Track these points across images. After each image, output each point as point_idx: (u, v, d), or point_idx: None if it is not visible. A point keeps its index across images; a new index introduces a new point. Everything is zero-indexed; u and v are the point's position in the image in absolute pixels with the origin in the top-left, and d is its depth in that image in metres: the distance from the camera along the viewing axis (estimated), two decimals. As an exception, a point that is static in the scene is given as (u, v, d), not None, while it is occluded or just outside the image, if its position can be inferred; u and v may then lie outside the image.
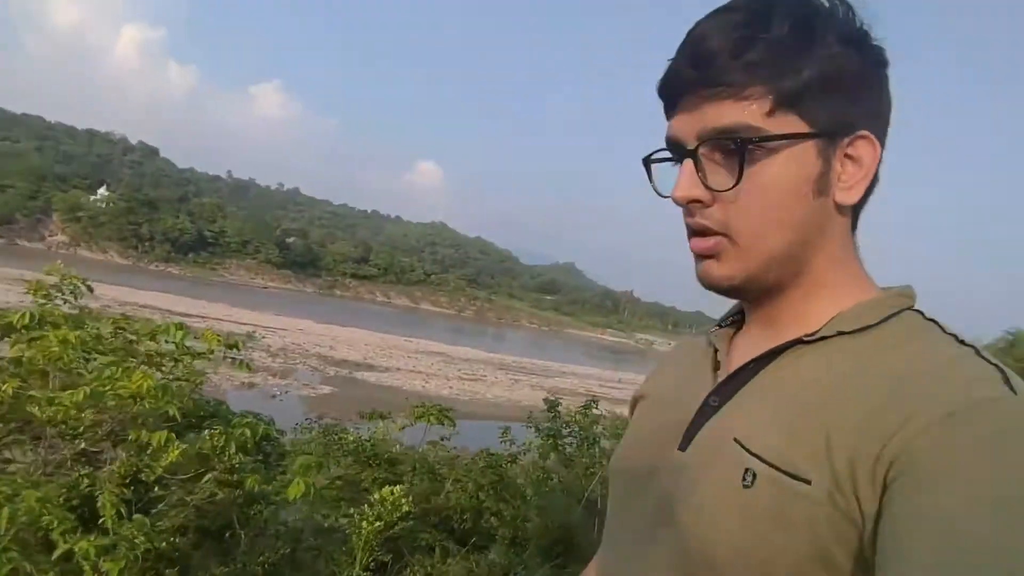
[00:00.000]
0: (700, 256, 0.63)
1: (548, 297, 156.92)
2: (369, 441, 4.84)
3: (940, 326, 0.60)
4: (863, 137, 0.59)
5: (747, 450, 0.58)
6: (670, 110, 0.63)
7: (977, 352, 0.55)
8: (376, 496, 2.90)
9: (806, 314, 0.63)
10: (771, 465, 0.56)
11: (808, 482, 0.54)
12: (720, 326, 0.73)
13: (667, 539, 0.63)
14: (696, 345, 0.77)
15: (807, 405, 0.58)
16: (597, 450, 5.90)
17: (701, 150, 0.60)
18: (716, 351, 0.70)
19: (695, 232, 0.63)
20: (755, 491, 0.57)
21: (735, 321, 0.72)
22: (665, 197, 0.63)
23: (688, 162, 0.60)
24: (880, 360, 0.57)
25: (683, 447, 0.65)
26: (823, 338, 0.61)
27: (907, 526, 0.47)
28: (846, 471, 0.52)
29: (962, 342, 0.57)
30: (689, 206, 0.61)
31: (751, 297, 0.66)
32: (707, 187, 0.59)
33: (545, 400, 6.35)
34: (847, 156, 0.59)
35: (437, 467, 4.89)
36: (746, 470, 0.58)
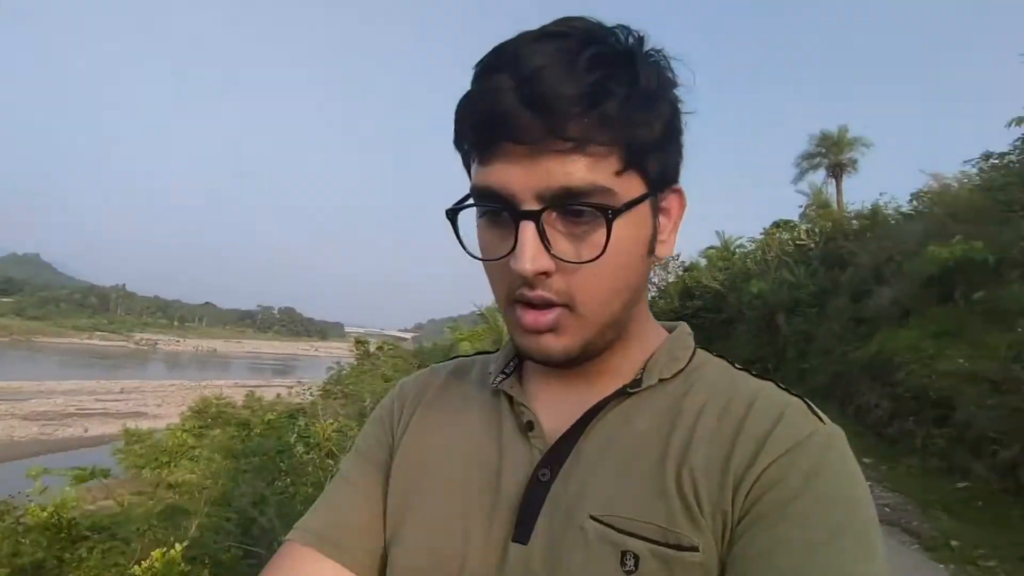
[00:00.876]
0: (536, 331, 0.54)
1: (3, 299, 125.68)
2: None
3: (728, 361, 0.61)
4: (675, 189, 0.57)
5: (615, 528, 0.52)
6: (486, 153, 0.51)
7: (776, 384, 0.58)
8: None
9: (619, 366, 0.60)
10: (653, 542, 0.51)
11: (696, 549, 0.50)
12: (505, 374, 0.64)
13: None
14: (466, 391, 0.67)
15: (657, 461, 0.54)
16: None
17: (545, 215, 0.50)
18: (515, 407, 0.61)
19: (533, 305, 0.53)
20: (628, 565, 0.51)
21: (515, 367, 0.65)
22: (477, 259, 0.55)
23: (531, 227, 0.50)
24: (709, 403, 0.56)
25: (521, 538, 0.54)
26: (647, 387, 0.58)
27: (760, 565, 0.47)
28: (720, 525, 0.51)
29: (755, 375, 0.59)
30: (535, 277, 0.51)
31: (578, 363, 0.57)
32: (555, 257, 0.51)
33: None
34: (661, 209, 0.56)
35: None
36: (623, 553, 0.51)
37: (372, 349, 19.11)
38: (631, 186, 0.52)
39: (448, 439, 0.64)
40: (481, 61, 0.52)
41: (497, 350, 0.70)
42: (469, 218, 0.57)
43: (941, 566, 4.35)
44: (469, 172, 0.56)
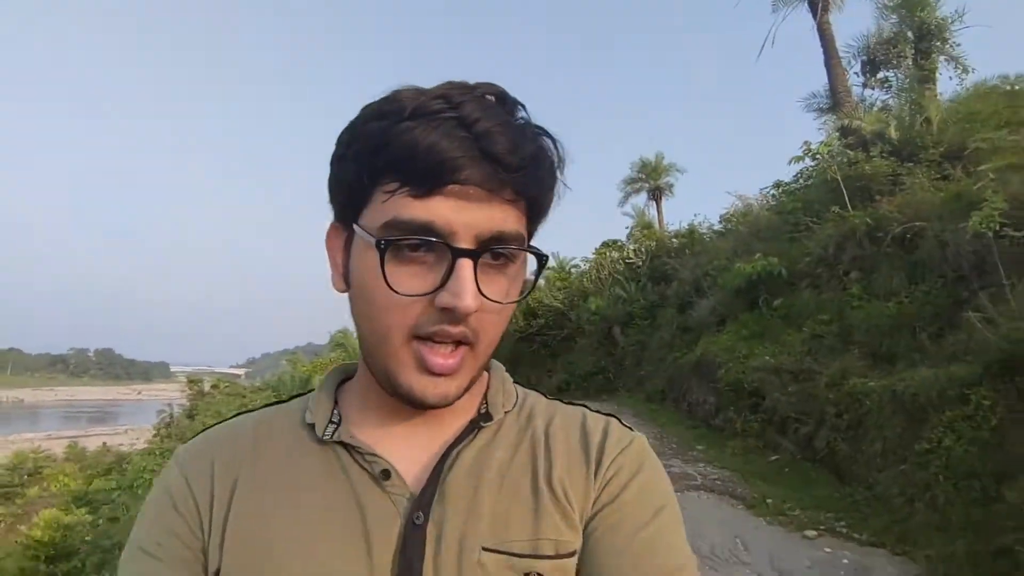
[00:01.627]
0: (439, 374, 0.55)
1: None
2: None
3: (539, 392, 0.70)
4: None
5: (514, 554, 0.56)
6: (427, 190, 0.51)
7: (586, 407, 0.68)
8: None
9: (463, 403, 0.61)
10: (551, 557, 0.56)
11: (575, 552, 0.58)
12: (334, 423, 0.62)
13: None
14: (288, 452, 0.61)
15: (531, 483, 0.60)
16: None
17: (483, 256, 0.53)
18: (358, 458, 0.59)
19: (444, 342, 0.54)
20: None
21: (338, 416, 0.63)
22: (396, 292, 0.52)
23: (470, 265, 0.52)
24: (551, 426, 0.64)
25: None
26: (496, 420, 0.63)
27: (605, 543, 0.58)
28: (581, 527, 0.59)
29: (566, 402, 0.70)
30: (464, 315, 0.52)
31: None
32: (484, 296, 0.53)
33: None
34: None
35: None
36: (516, 570, 0.55)
37: (207, 388, 17.61)
38: (527, 236, 0.58)
39: (293, 512, 0.58)
40: (410, 105, 0.52)
41: (277, 402, 0.68)
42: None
43: (760, 519, 5.55)
44: (355, 200, 0.55)
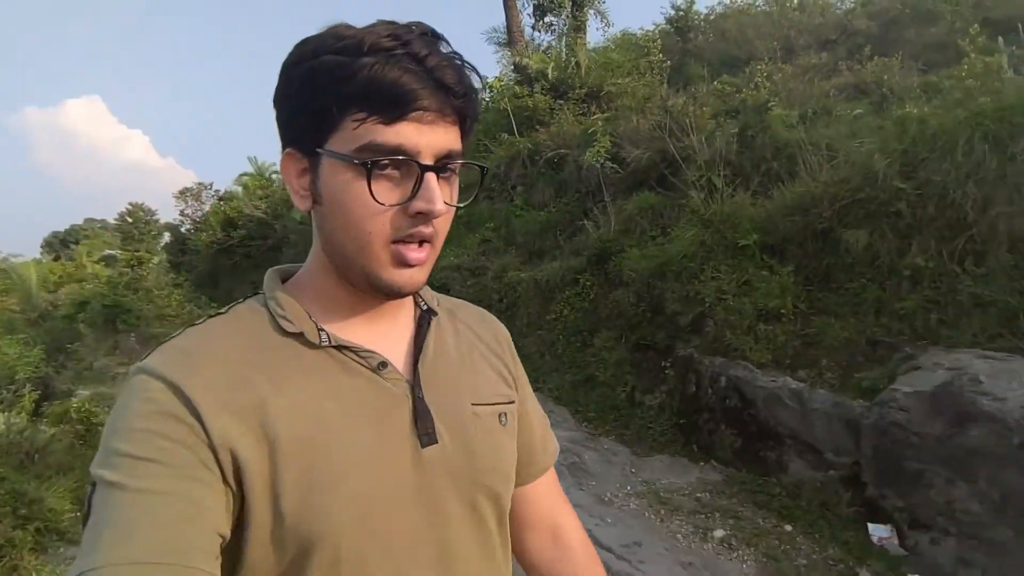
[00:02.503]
0: (408, 265, 0.66)
1: None
2: None
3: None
4: None
5: (490, 404, 0.78)
6: (394, 117, 0.60)
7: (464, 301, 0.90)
8: None
9: (406, 299, 0.76)
10: (507, 403, 0.81)
11: (515, 400, 0.83)
12: (320, 334, 0.67)
13: (481, 499, 0.73)
14: (290, 356, 0.66)
15: (480, 357, 0.82)
16: None
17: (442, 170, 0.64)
18: (350, 355, 0.68)
19: (419, 241, 0.65)
20: (508, 425, 0.80)
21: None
22: (382, 204, 0.62)
23: (434, 177, 0.63)
24: (467, 315, 0.87)
25: (431, 442, 0.69)
26: (435, 312, 0.80)
27: (533, 406, 0.90)
28: (513, 382, 0.86)
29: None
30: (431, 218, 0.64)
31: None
32: (446, 202, 0.65)
33: None
34: None
35: None
36: (499, 415, 0.78)
37: None
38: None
39: (330, 409, 0.65)
40: (364, 41, 0.60)
41: (216, 314, 0.69)
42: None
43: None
44: (323, 128, 0.62)
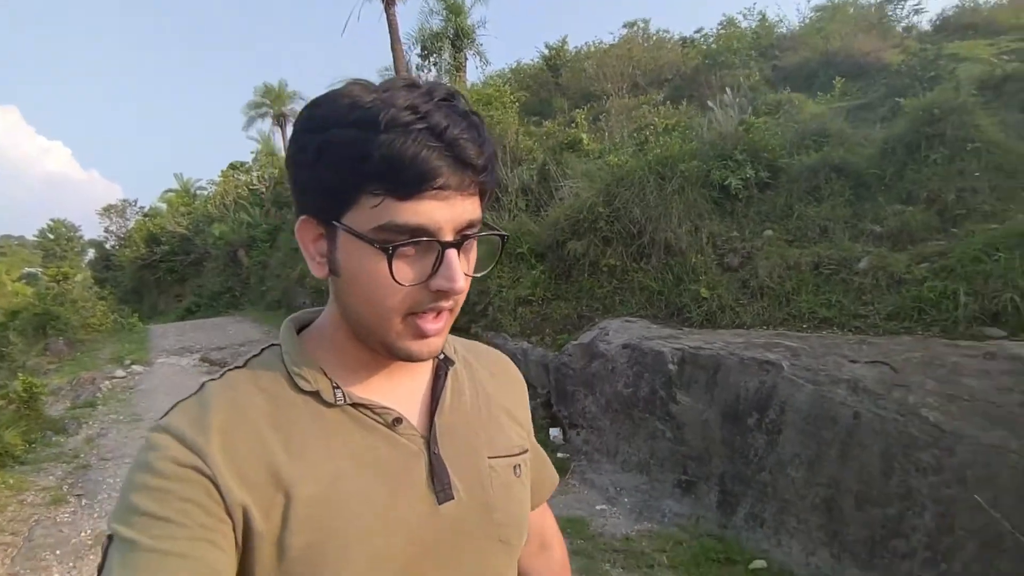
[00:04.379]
0: (425, 336, 0.66)
1: None
2: None
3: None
4: None
5: (505, 456, 0.78)
6: (411, 195, 0.60)
7: (477, 342, 0.88)
8: None
9: None
10: (521, 454, 0.81)
11: (528, 449, 0.84)
12: (335, 392, 0.68)
13: (497, 552, 0.74)
14: (306, 414, 0.67)
15: (497, 409, 0.82)
16: None
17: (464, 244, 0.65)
18: (366, 412, 0.69)
19: (436, 312, 0.66)
20: (522, 476, 0.81)
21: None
22: (402, 285, 0.62)
23: (455, 253, 0.63)
24: (482, 365, 0.86)
25: (444, 498, 0.69)
26: (452, 361, 0.80)
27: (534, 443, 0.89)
28: (525, 432, 0.87)
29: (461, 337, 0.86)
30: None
31: None
32: (466, 275, 0.66)
33: None
34: None
35: None
36: (514, 467, 0.79)
37: None
38: None
39: (347, 469, 0.65)
40: (381, 117, 0.58)
41: (234, 367, 0.70)
42: None
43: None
44: (338, 203, 0.62)
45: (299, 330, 0.76)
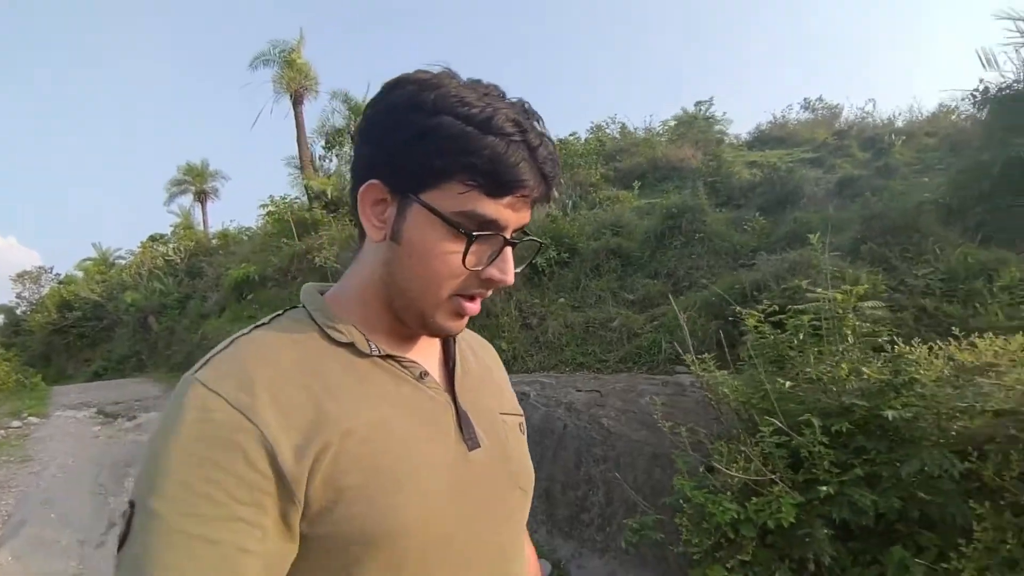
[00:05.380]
0: (462, 316, 0.73)
1: None
2: None
3: None
4: None
5: (512, 414, 0.86)
6: (502, 194, 0.66)
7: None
8: None
9: None
10: (521, 415, 0.89)
11: (523, 415, 0.91)
12: (370, 344, 0.72)
13: (517, 498, 0.80)
14: (341, 366, 0.69)
15: (496, 375, 0.91)
16: None
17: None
18: (395, 365, 0.73)
19: (472, 299, 0.73)
20: (525, 435, 0.88)
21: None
22: (467, 269, 0.68)
23: (510, 250, 0.71)
24: (474, 344, 0.92)
25: (476, 445, 0.75)
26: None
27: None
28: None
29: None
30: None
31: None
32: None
33: None
34: None
35: None
36: (519, 424, 0.87)
37: None
38: None
39: (389, 414, 0.68)
40: (493, 121, 0.64)
41: (260, 324, 0.71)
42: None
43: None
44: (425, 180, 0.66)
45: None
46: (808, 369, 2.75)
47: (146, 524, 0.55)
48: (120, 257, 26.38)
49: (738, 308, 3.45)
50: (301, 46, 18.33)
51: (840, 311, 2.84)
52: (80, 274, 25.29)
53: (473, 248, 0.67)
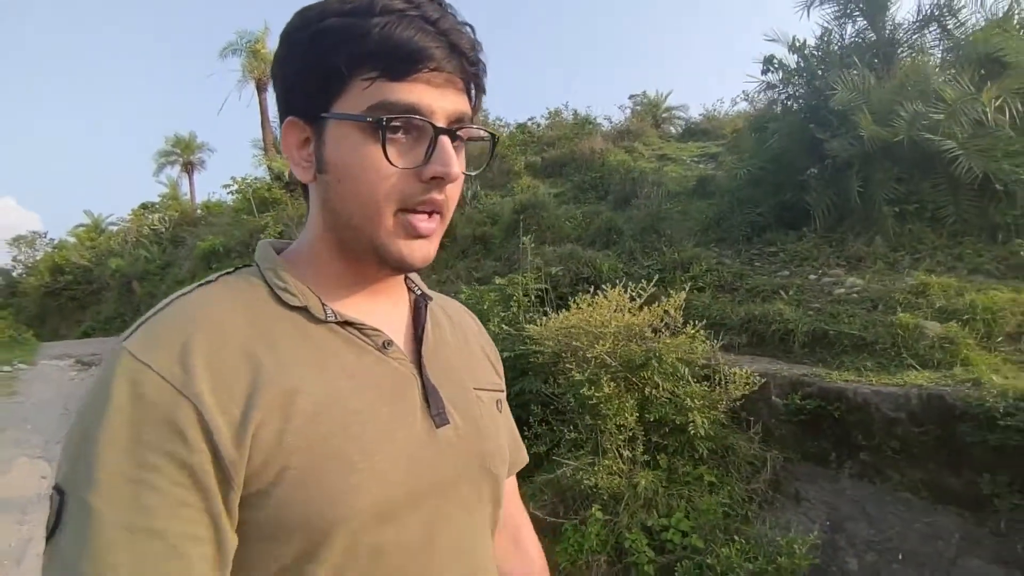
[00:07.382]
0: (418, 237, 0.63)
1: None
2: None
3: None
4: None
5: (488, 389, 0.79)
6: (406, 75, 0.59)
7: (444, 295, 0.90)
8: None
9: (399, 280, 0.75)
10: (500, 391, 0.84)
11: (503, 390, 0.85)
12: (325, 309, 0.65)
13: (487, 482, 0.73)
14: (296, 331, 0.63)
15: (474, 346, 0.84)
16: None
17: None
18: (352, 332, 0.66)
19: (429, 211, 0.63)
20: (503, 412, 0.83)
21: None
22: (395, 166, 0.60)
23: (448, 140, 0.62)
24: (453, 311, 0.86)
25: (444, 422, 0.69)
26: (430, 297, 0.79)
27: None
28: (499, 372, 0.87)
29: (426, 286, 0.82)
30: (442, 184, 0.62)
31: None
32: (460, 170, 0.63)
33: None
34: None
35: None
36: (497, 401, 0.81)
37: None
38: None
39: (346, 386, 0.62)
40: (376, 3, 0.59)
41: (203, 283, 0.64)
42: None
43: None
44: (331, 89, 0.61)
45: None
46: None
47: (82, 521, 0.50)
48: (112, 224, 27.88)
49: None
50: (266, 37, 19.90)
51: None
52: (73, 240, 26.87)
53: (393, 143, 0.60)
